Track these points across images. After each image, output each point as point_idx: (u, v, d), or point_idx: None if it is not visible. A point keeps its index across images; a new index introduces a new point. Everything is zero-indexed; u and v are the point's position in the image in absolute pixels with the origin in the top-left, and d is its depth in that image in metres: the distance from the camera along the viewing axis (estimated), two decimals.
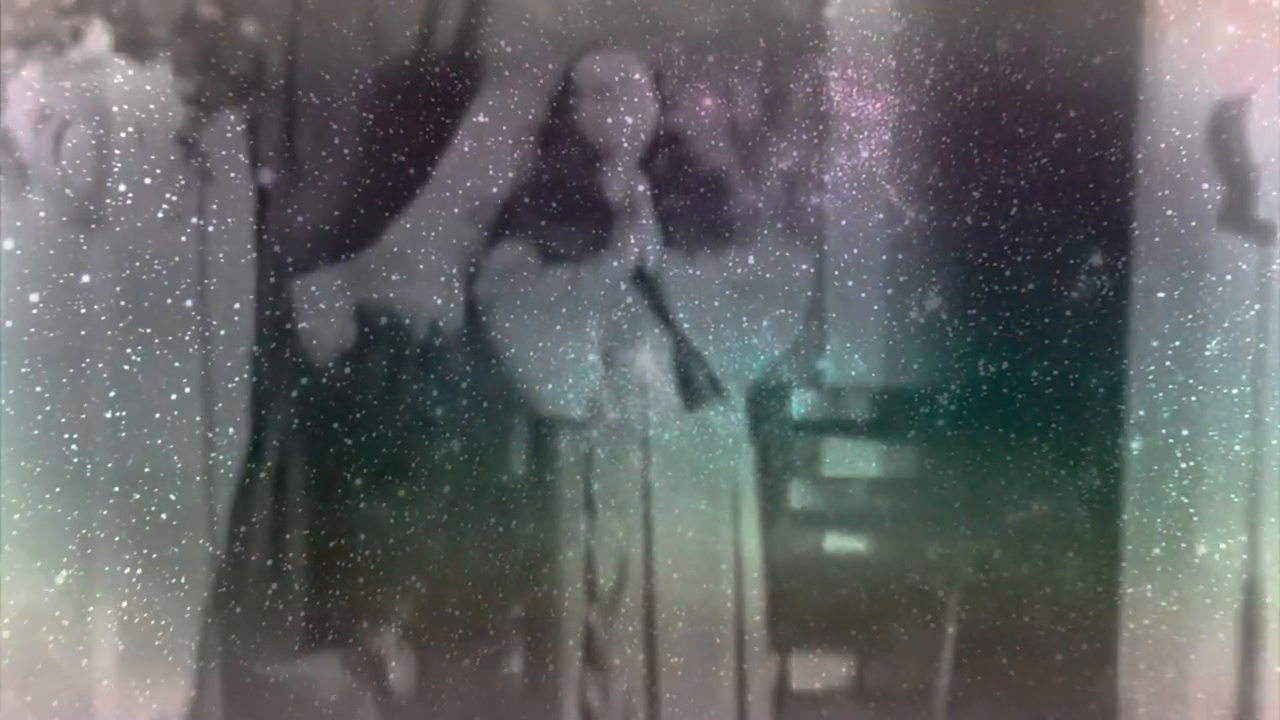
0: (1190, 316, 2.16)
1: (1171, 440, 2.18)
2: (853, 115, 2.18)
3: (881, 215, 2.21)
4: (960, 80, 2.16)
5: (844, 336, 2.25)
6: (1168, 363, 2.17)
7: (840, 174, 2.20)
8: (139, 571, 2.12)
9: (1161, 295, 2.17)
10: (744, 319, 2.15)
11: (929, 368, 2.25)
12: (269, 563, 2.17)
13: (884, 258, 2.23)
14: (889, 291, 2.24)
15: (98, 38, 2.06)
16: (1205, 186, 2.15)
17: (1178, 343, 2.17)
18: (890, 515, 2.33)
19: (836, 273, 2.23)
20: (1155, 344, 2.17)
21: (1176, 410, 2.17)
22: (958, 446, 2.25)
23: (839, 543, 2.33)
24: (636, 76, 2.13)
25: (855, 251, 2.22)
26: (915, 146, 2.19)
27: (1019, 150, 2.18)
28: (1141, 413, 2.18)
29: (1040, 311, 2.21)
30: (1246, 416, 2.15)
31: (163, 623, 2.14)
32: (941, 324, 2.24)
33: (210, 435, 2.17)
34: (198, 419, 2.15)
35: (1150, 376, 2.17)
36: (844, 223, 2.21)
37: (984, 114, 2.16)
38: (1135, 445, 2.19)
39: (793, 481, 2.30)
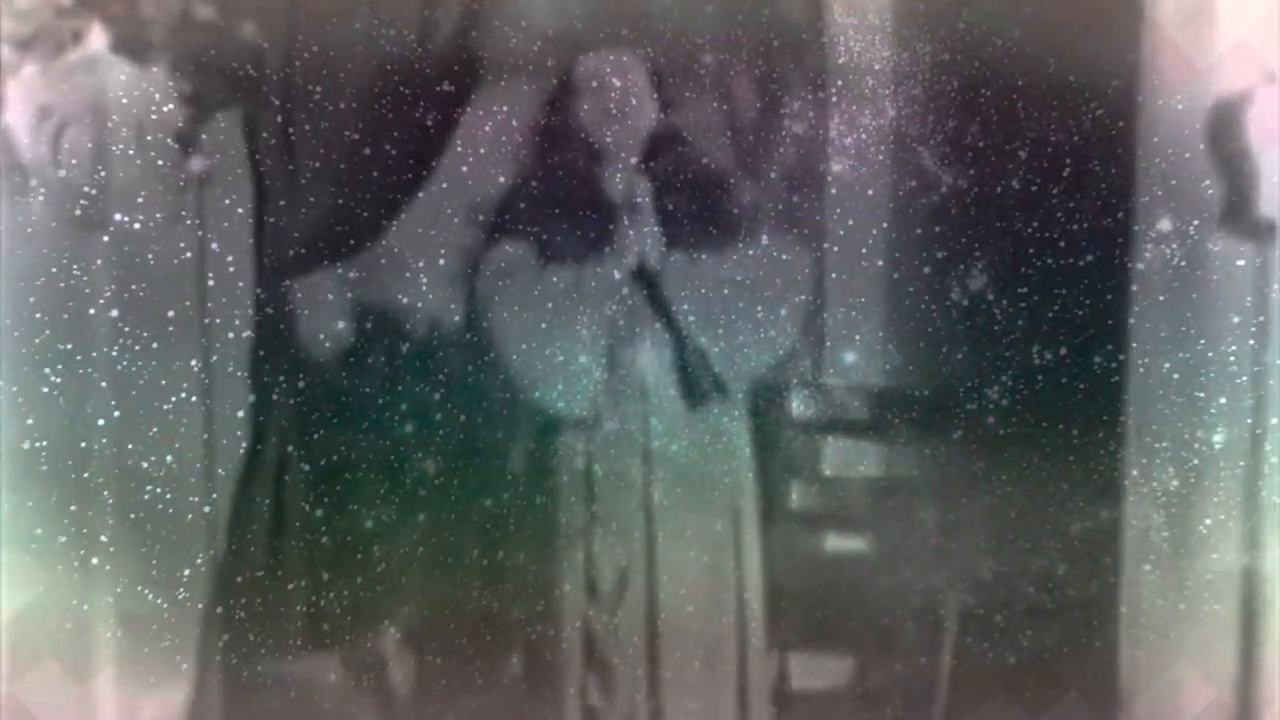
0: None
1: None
2: (852, 106, 2.01)
3: (883, 211, 2.02)
4: (959, 77, 1.96)
5: (850, 332, 2.05)
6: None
7: (841, 170, 2.03)
8: (140, 572, 2.08)
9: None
10: (748, 315, 2.03)
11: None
12: (268, 565, 2.10)
13: (888, 249, 2.03)
14: (898, 280, 2.03)
15: (97, 38, 2.07)
16: None
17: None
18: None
19: (839, 266, 2.05)
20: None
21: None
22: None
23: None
24: (635, 72, 2.05)
25: (861, 242, 2.04)
26: (910, 145, 2.00)
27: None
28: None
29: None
30: None
31: (161, 625, 2.09)
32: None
33: (211, 435, 2.12)
34: (196, 420, 2.11)
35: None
36: (847, 217, 2.03)
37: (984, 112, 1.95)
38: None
39: (796, 481, 2.09)
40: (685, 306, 2.02)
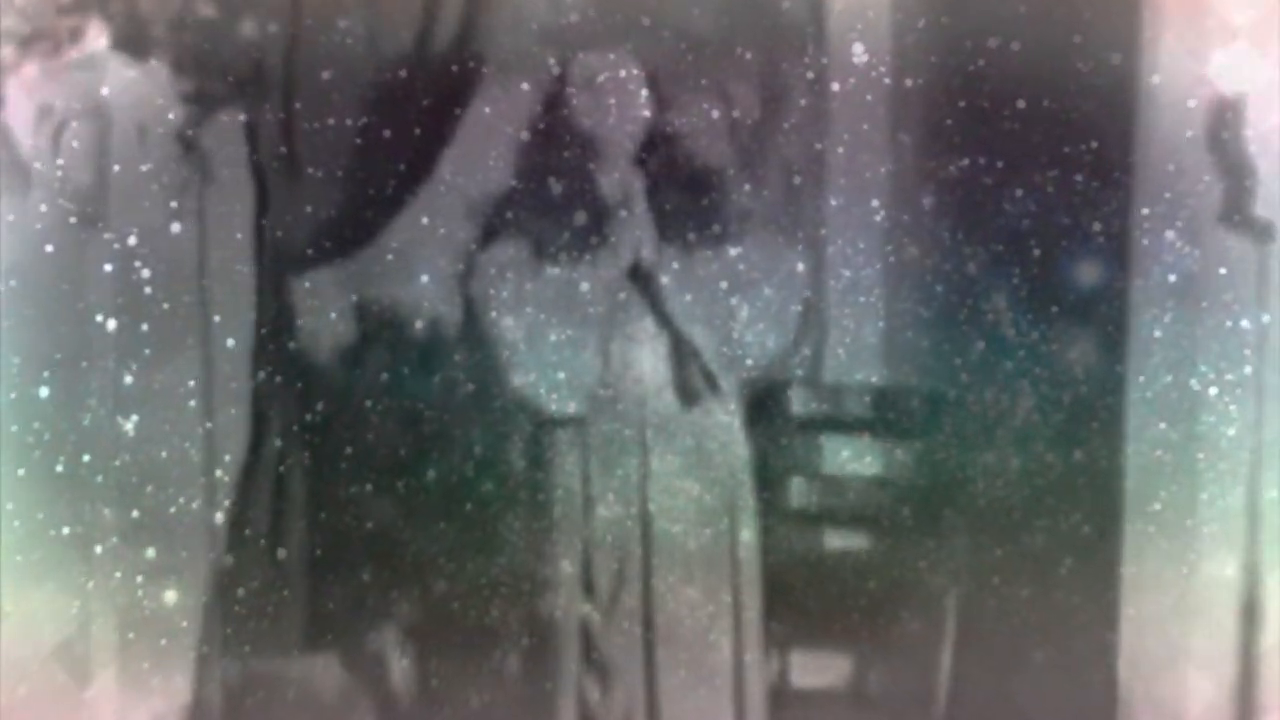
0: None
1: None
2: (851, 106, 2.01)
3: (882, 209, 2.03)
4: (958, 78, 1.95)
5: (847, 331, 2.06)
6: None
7: (838, 169, 2.03)
8: (140, 573, 2.08)
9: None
10: (741, 313, 2.04)
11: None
12: (268, 563, 2.11)
13: (889, 250, 2.04)
14: (898, 283, 2.04)
15: (97, 36, 2.07)
16: None
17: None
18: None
19: (836, 267, 2.05)
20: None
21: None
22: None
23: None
24: (632, 72, 2.06)
25: (856, 244, 2.04)
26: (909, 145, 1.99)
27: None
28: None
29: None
30: None
31: (163, 623, 2.09)
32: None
33: (211, 435, 2.12)
34: (198, 418, 2.11)
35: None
36: (844, 216, 2.04)
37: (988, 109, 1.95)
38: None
39: (793, 480, 2.10)
40: (678, 310, 2.04)
